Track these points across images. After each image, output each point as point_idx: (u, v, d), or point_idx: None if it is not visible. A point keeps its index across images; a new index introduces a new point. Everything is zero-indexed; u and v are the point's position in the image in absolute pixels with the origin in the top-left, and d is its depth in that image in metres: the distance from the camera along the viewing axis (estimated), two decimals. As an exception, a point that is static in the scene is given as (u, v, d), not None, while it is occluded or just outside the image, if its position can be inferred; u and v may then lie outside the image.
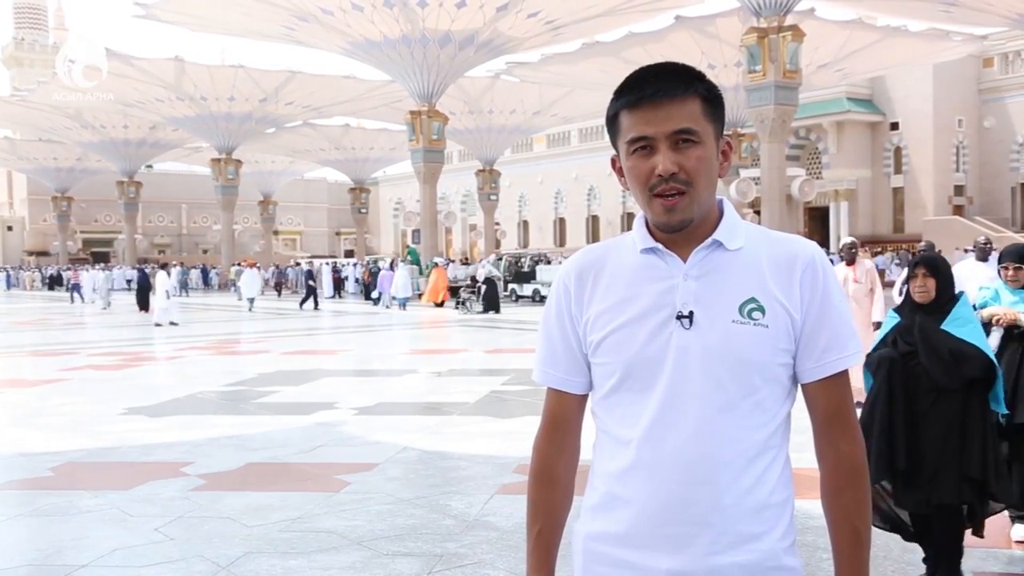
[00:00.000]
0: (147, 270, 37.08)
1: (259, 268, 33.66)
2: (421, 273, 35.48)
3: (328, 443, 7.92)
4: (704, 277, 1.54)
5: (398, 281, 30.35)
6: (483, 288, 26.54)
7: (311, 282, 32.06)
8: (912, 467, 4.06)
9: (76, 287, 40.85)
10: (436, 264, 33.41)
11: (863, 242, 45.72)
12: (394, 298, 30.40)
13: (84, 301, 38.58)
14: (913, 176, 46.60)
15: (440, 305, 30.14)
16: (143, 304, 30.42)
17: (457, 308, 26.73)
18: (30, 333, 23.26)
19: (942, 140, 45.91)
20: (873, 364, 4.24)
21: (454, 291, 30.29)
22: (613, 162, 1.61)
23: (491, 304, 26.16)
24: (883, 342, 4.28)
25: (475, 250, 61.95)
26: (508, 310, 27.72)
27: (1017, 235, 41.41)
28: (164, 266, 29.05)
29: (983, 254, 8.70)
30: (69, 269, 51.68)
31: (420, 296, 32.77)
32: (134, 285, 35.11)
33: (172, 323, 23.41)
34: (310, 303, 30.96)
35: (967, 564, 4.51)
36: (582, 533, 1.64)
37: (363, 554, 4.84)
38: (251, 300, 30.45)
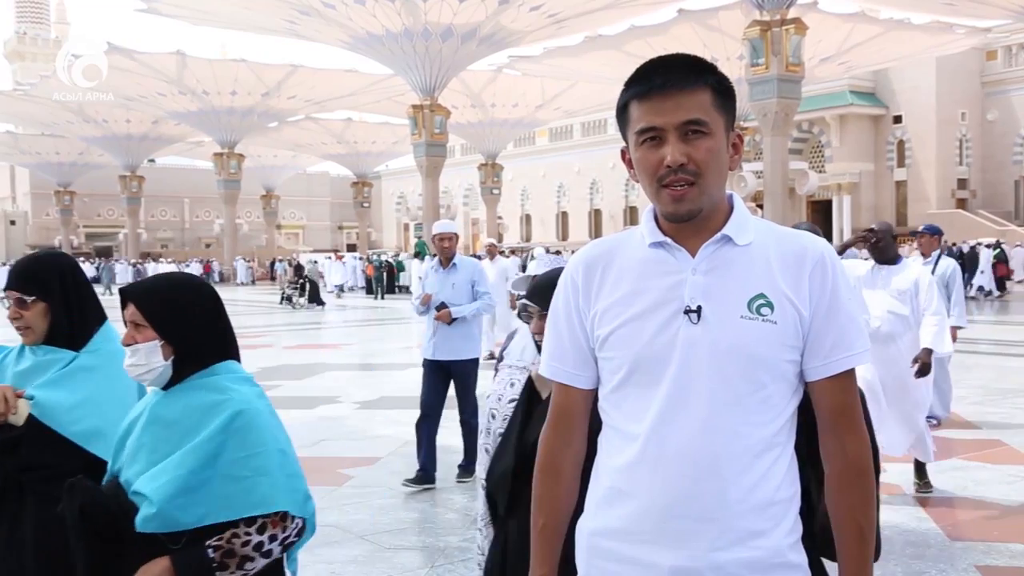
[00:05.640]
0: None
1: (343, 260, 35.25)
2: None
3: (331, 437, 7.92)
4: (713, 272, 1.53)
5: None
6: (307, 285, 29.13)
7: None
8: None
9: None
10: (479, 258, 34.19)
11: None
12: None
13: None
14: (916, 169, 46.50)
15: None
16: None
17: (282, 303, 26.94)
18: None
19: (945, 133, 45.79)
20: None
21: None
22: (623, 153, 1.61)
23: (313, 298, 28.45)
24: None
25: (477, 244, 61.89)
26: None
27: (1020, 228, 41.37)
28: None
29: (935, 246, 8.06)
30: None
31: None
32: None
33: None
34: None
35: (972, 558, 4.51)
36: (586, 528, 1.63)
37: (366, 548, 4.84)
38: (339, 287, 32.40)
